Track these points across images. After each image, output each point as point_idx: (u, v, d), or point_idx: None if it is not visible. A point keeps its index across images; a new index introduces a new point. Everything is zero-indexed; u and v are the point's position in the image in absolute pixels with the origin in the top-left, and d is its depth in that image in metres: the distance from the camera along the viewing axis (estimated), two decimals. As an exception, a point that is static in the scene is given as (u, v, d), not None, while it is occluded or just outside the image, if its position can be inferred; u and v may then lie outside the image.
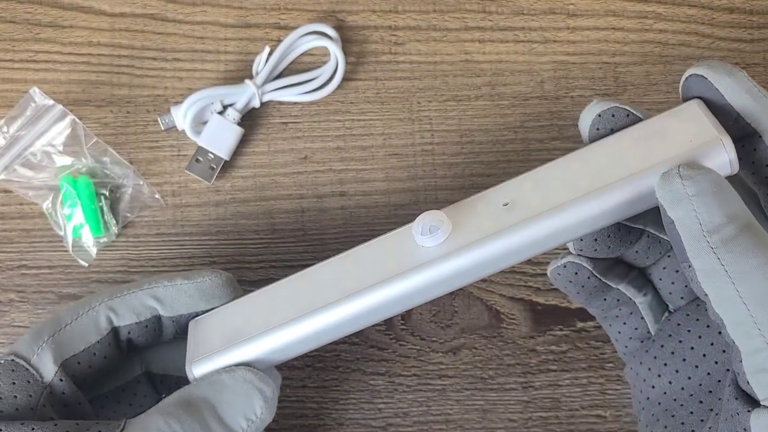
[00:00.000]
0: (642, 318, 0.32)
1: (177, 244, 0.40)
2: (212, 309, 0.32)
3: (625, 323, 0.32)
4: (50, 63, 0.41)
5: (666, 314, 0.32)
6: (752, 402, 0.24)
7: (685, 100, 0.28)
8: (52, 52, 0.41)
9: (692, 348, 0.30)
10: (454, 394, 0.39)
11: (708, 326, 0.30)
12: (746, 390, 0.25)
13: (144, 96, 0.41)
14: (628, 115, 0.28)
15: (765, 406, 0.24)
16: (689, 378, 0.30)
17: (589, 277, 0.30)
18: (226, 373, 0.29)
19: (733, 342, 0.24)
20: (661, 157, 0.26)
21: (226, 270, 0.39)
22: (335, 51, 0.40)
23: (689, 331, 0.30)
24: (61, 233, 0.39)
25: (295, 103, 0.41)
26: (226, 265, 0.40)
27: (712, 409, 0.28)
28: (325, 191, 0.40)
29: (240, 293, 0.33)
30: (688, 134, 0.26)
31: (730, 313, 0.24)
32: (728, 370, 0.28)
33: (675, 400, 0.30)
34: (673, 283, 0.31)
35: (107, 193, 0.40)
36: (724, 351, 0.29)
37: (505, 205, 0.28)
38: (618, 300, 0.32)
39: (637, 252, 0.30)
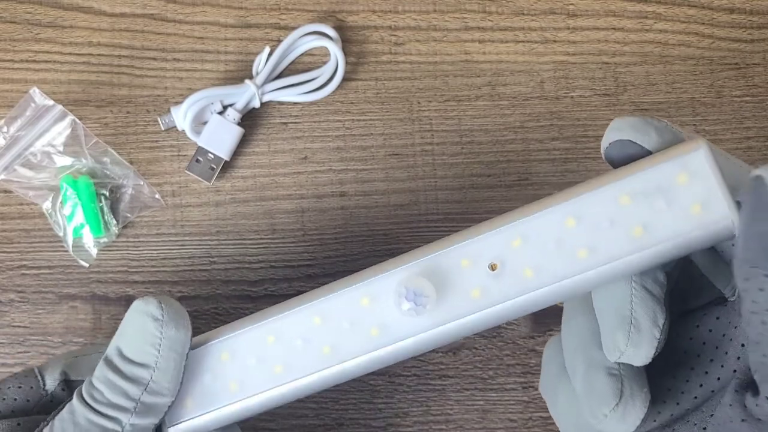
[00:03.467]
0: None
1: (177, 244, 0.40)
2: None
3: None
4: (50, 63, 0.41)
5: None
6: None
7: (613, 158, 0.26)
8: (52, 52, 0.41)
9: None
10: (454, 394, 0.39)
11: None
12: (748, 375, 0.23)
13: (144, 96, 0.41)
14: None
15: None
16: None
17: None
18: None
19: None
20: (665, 234, 0.24)
21: (226, 270, 0.40)
22: (335, 51, 0.40)
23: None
24: (61, 233, 0.39)
25: (295, 103, 0.41)
26: (226, 265, 0.40)
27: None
28: (325, 191, 0.40)
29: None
30: (696, 199, 0.24)
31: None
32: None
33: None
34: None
35: (107, 194, 0.40)
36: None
37: (493, 269, 0.26)
38: None
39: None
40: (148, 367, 0.28)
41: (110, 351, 0.28)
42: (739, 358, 0.24)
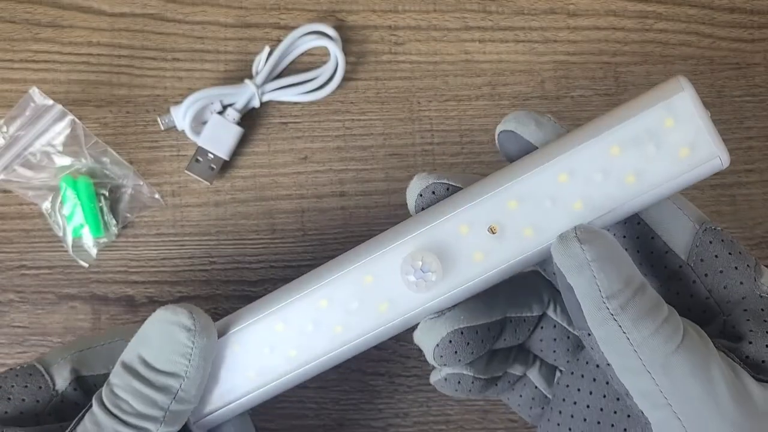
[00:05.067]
0: (536, 387, 0.31)
1: (177, 244, 0.40)
2: None
3: (521, 395, 0.31)
4: (50, 63, 0.41)
5: (557, 375, 0.31)
6: None
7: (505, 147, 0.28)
8: (52, 52, 0.41)
9: (588, 406, 0.29)
10: (455, 394, 0.39)
11: (594, 379, 0.29)
12: None
13: (143, 96, 0.41)
14: (447, 189, 0.27)
15: None
16: None
17: (473, 382, 0.29)
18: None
19: (641, 413, 0.24)
20: (656, 179, 0.25)
21: (226, 270, 0.39)
22: (335, 51, 0.40)
23: (579, 390, 0.29)
24: (61, 233, 0.39)
25: (295, 103, 0.41)
26: (226, 265, 0.40)
27: None
28: (325, 191, 0.40)
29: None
30: (683, 142, 0.25)
31: (636, 383, 0.23)
32: (629, 416, 0.27)
33: None
34: (554, 351, 0.30)
35: (107, 193, 0.40)
36: (617, 399, 0.28)
37: (493, 231, 0.26)
38: (509, 381, 0.31)
39: (505, 339, 0.30)
40: (178, 377, 0.27)
41: (130, 358, 0.27)
42: None
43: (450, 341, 0.27)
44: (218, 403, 0.29)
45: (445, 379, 0.29)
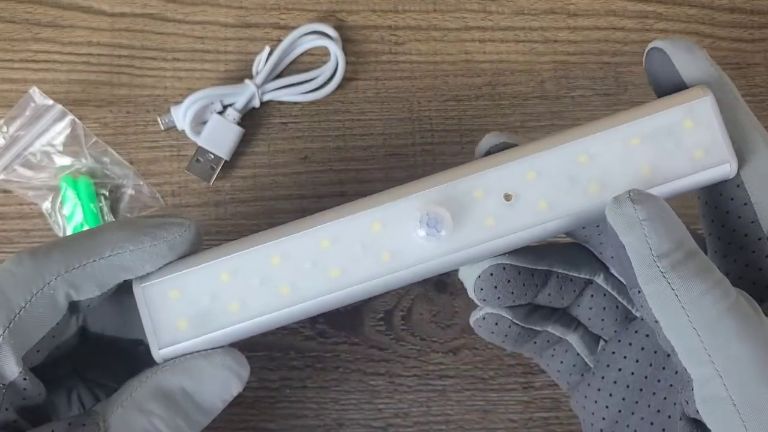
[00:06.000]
0: (578, 354, 0.31)
1: (177, 244, 0.40)
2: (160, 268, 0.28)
3: (562, 361, 0.31)
4: (50, 63, 0.41)
5: (601, 343, 0.31)
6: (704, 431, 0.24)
7: (655, 77, 0.28)
8: (52, 52, 0.41)
9: (632, 373, 0.29)
10: (455, 394, 0.39)
11: (642, 348, 0.29)
12: (696, 418, 0.24)
13: (144, 96, 0.41)
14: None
15: None
16: (636, 402, 0.29)
17: (510, 326, 0.30)
18: (203, 359, 0.27)
19: (685, 369, 0.24)
20: (669, 174, 0.26)
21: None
22: (335, 51, 0.40)
23: (625, 357, 0.30)
24: (61, 233, 0.39)
25: (295, 103, 0.41)
26: (226, 265, 0.40)
27: (664, 429, 0.28)
28: (325, 191, 0.40)
29: (200, 242, 0.29)
30: (700, 144, 0.26)
31: (681, 339, 0.24)
32: (671, 385, 0.28)
33: (628, 426, 0.29)
34: (602, 319, 0.31)
35: (107, 193, 0.40)
36: (664, 368, 0.29)
37: (508, 198, 0.27)
38: (548, 341, 0.31)
39: (550, 295, 0.30)
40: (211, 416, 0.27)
41: (174, 388, 0.27)
42: None
43: (491, 274, 0.28)
44: (193, 333, 0.28)
45: (483, 318, 0.29)
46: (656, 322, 0.24)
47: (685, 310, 0.24)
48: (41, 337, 0.26)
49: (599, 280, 0.30)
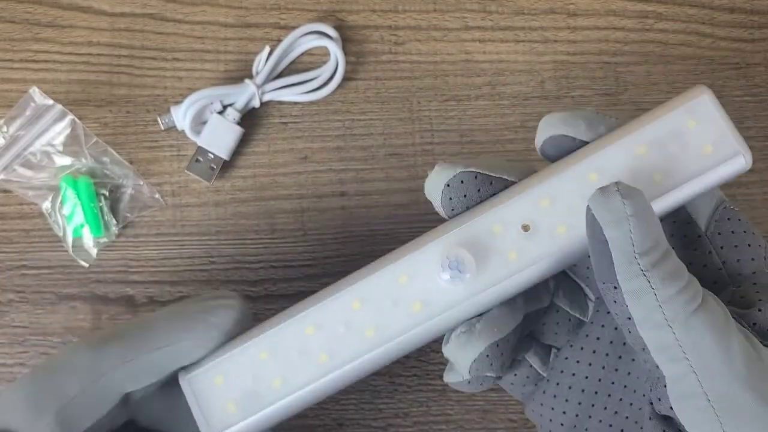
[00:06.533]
0: (531, 366, 0.31)
1: (177, 244, 0.40)
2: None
3: (515, 374, 0.31)
4: (50, 63, 0.41)
5: (553, 351, 0.31)
6: (675, 429, 0.25)
7: None
8: (52, 51, 0.41)
9: (586, 377, 0.30)
10: (455, 394, 0.39)
11: (594, 351, 0.30)
12: (668, 415, 0.25)
13: (143, 96, 0.41)
14: (476, 177, 0.28)
15: None
16: (593, 406, 0.29)
17: (494, 380, 0.30)
18: None
19: (656, 367, 0.24)
20: (682, 176, 0.26)
21: (226, 270, 0.39)
22: (335, 51, 0.40)
23: (578, 362, 0.30)
24: (61, 233, 0.39)
25: (295, 103, 0.41)
26: (226, 265, 0.40)
27: (623, 430, 0.29)
28: (325, 191, 0.40)
29: (249, 319, 0.30)
30: (707, 140, 0.26)
31: (655, 337, 0.24)
32: (625, 386, 0.28)
33: (586, 430, 0.29)
34: (555, 333, 0.31)
35: (107, 193, 0.40)
36: (616, 369, 0.29)
37: (526, 229, 0.27)
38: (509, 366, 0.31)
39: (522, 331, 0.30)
40: None
41: None
42: None
43: (487, 355, 0.28)
44: (241, 415, 0.28)
45: (469, 382, 0.29)
46: (629, 318, 0.25)
47: (662, 308, 0.24)
48: (90, 425, 0.27)
49: (555, 298, 0.31)
